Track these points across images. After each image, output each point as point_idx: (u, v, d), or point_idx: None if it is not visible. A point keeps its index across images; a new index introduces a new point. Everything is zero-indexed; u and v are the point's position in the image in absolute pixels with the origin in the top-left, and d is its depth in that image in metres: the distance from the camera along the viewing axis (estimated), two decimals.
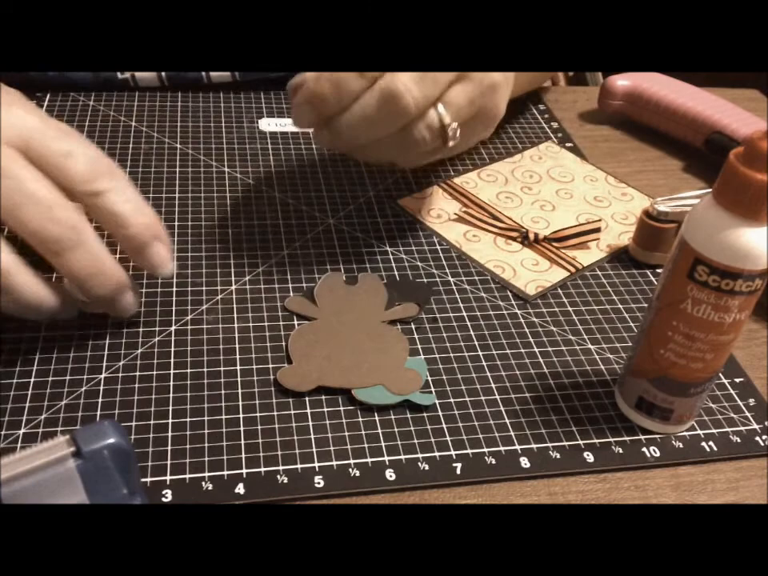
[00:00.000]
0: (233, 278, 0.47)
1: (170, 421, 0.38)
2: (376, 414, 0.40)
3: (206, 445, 0.37)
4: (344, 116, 0.41)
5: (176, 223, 0.51)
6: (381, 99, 0.40)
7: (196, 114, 0.62)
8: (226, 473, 0.36)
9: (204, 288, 0.46)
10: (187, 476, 0.36)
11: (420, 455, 0.38)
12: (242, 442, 0.38)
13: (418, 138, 0.42)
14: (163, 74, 0.63)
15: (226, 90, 0.66)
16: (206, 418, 0.39)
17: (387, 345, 0.43)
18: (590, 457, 0.39)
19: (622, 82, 0.67)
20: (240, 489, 0.36)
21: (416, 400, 0.40)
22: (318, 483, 0.36)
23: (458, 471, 0.38)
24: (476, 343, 0.45)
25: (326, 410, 0.40)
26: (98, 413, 0.38)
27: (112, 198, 0.38)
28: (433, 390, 0.41)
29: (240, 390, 0.40)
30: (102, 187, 0.38)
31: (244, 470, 0.36)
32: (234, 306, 0.45)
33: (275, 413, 0.39)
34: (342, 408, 0.40)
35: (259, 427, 0.38)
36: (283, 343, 0.43)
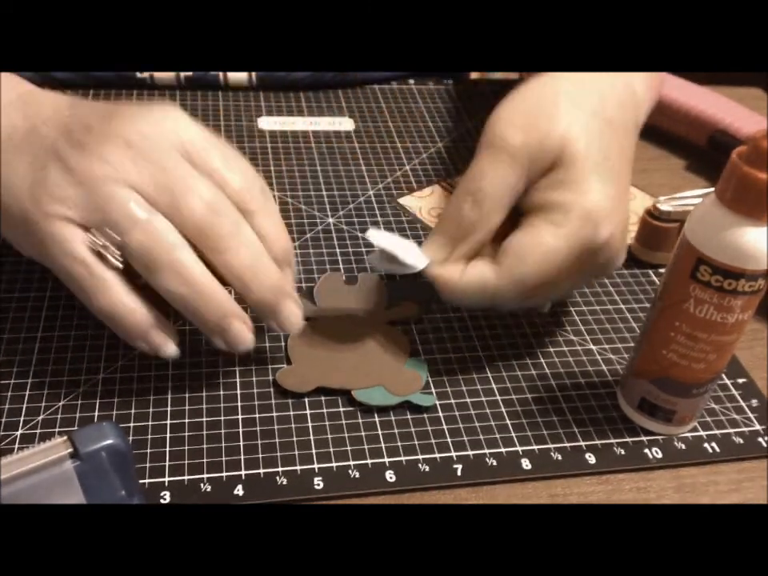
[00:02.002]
0: None
1: (169, 422, 0.38)
2: (376, 415, 0.40)
3: (205, 446, 0.37)
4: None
5: None
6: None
7: (194, 113, 0.62)
8: (224, 474, 0.36)
9: None
10: (186, 477, 0.36)
11: (420, 456, 0.38)
12: (241, 443, 0.38)
13: None
14: (182, 75, 0.63)
15: (224, 88, 0.65)
16: (204, 419, 0.38)
17: (387, 345, 0.43)
18: (591, 458, 0.39)
19: None
20: (239, 490, 0.35)
21: (416, 401, 0.40)
22: (318, 485, 0.36)
23: (459, 473, 0.37)
24: (476, 343, 0.44)
25: (325, 410, 0.39)
26: (96, 414, 0.38)
27: (259, 219, 0.38)
28: (433, 390, 0.41)
29: (239, 391, 0.40)
30: (254, 207, 0.37)
31: (243, 472, 0.36)
32: None
33: (274, 414, 0.39)
34: (341, 409, 0.40)
35: (258, 428, 0.38)
36: (282, 343, 0.43)
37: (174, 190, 0.35)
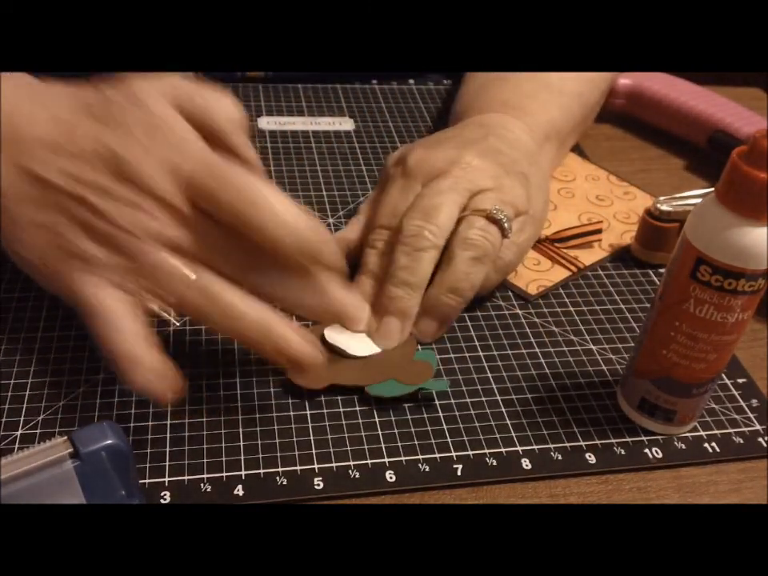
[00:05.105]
0: None
1: (169, 422, 0.38)
2: (376, 415, 0.40)
3: (205, 446, 0.37)
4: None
5: None
6: None
7: None
8: (224, 474, 0.36)
9: None
10: (186, 477, 0.36)
11: (420, 456, 0.38)
12: (241, 443, 0.37)
13: None
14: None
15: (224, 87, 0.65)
16: (204, 420, 0.38)
17: None
18: (591, 458, 0.39)
19: (624, 80, 0.66)
20: (239, 490, 0.35)
21: (429, 387, 0.40)
22: (318, 485, 0.36)
23: (459, 473, 0.37)
24: (477, 343, 0.44)
25: (325, 411, 0.39)
26: (96, 414, 0.38)
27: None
28: (444, 377, 0.41)
29: (239, 391, 0.40)
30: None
31: (243, 472, 0.36)
32: None
33: (274, 414, 0.39)
34: (341, 409, 0.40)
35: (258, 428, 0.38)
36: None
37: (207, 241, 0.35)
